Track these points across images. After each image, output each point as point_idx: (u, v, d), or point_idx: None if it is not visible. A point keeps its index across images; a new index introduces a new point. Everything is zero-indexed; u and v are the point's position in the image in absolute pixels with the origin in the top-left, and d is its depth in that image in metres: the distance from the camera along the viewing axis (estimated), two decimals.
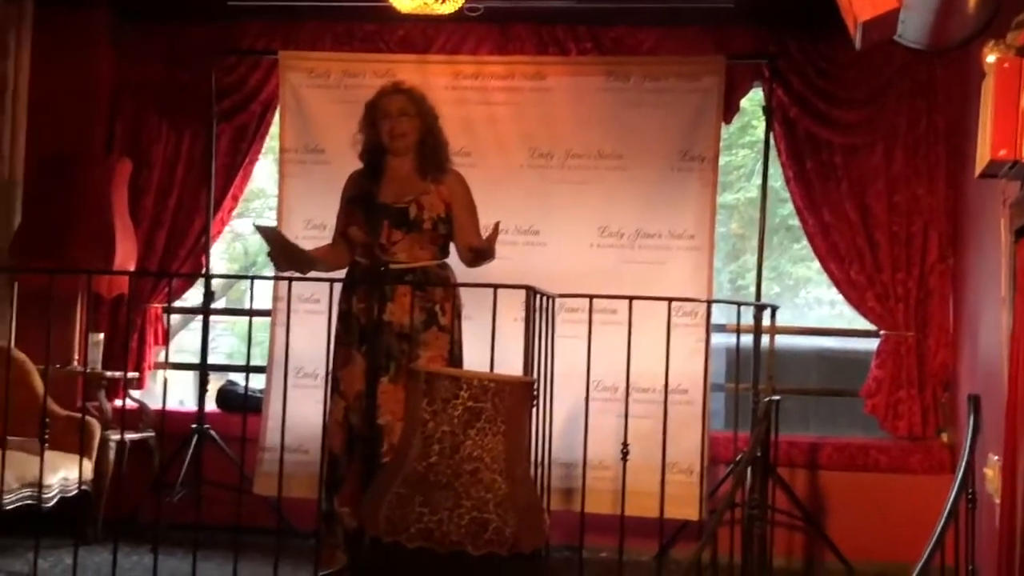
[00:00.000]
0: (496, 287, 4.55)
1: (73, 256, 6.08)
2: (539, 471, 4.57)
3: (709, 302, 5.69)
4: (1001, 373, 4.44)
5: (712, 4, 6.23)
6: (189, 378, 9.08)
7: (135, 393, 6.57)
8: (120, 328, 6.57)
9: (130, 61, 6.87)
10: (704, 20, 6.46)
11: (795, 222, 7.16)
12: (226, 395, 6.78)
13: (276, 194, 6.90)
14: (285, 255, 4.97)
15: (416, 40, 6.65)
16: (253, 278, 5.59)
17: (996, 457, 4.51)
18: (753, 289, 6.45)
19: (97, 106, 6.82)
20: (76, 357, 6.35)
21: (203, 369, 6.05)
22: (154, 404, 6.34)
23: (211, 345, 6.90)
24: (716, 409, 6.90)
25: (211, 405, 6.51)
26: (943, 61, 6.20)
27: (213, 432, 6.21)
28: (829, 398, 7.86)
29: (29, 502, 5.35)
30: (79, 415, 5.51)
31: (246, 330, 6.09)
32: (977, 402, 5.02)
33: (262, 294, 6.83)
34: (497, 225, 4.80)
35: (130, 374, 6.47)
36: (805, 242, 6.76)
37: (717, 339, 6.09)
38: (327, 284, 4.82)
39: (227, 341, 12.02)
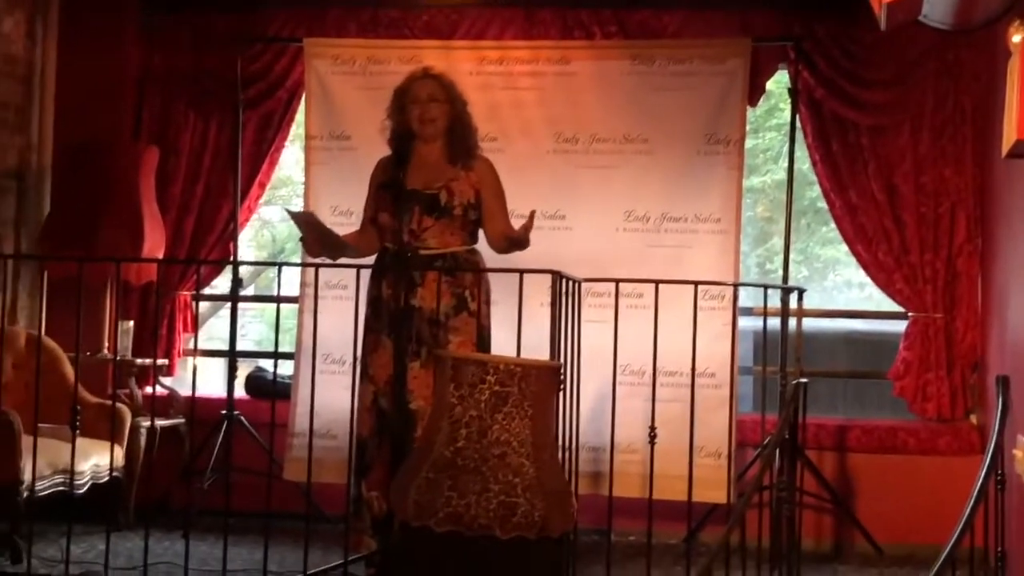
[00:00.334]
0: (522, 272, 4.55)
1: (102, 244, 6.10)
2: (567, 455, 4.57)
3: (735, 285, 5.69)
4: None
5: None
6: (219, 365, 9.12)
7: (165, 380, 6.61)
8: (149, 315, 6.64)
9: (157, 49, 6.89)
10: (729, 2, 6.45)
11: (823, 204, 7.12)
12: (255, 381, 6.81)
13: (303, 181, 6.93)
14: (320, 239, 4.98)
15: (440, 26, 6.66)
16: (281, 264, 5.62)
17: None
18: (781, 272, 6.45)
19: (124, 94, 6.85)
20: (106, 344, 6.38)
21: (232, 356, 6.07)
22: (184, 391, 6.39)
23: (240, 332, 6.93)
24: (744, 392, 6.89)
25: (240, 392, 6.54)
26: (968, 41, 6.17)
27: (243, 418, 6.24)
28: (857, 380, 7.85)
29: (61, 488, 5.39)
30: (110, 402, 5.52)
31: (274, 317, 6.10)
32: (1006, 383, 4.99)
33: (290, 281, 6.87)
34: (533, 214, 4.79)
35: (160, 361, 6.52)
36: (833, 224, 6.73)
37: (744, 322, 6.09)
38: (354, 271, 4.82)
39: (256, 328, 12.07)
